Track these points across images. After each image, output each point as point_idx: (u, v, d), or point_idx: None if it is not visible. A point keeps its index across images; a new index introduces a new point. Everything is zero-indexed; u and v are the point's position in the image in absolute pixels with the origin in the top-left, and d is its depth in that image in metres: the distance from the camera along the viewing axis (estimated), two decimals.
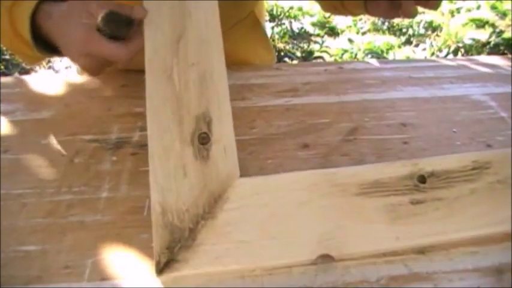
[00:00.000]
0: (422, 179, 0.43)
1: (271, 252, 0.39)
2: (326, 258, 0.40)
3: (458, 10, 2.70)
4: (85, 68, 0.53)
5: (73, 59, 0.53)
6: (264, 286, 0.40)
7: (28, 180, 0.49)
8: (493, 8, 2.68)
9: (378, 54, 2.16)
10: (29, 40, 0.54)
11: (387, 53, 2.22)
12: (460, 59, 0.77)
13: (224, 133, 0.42)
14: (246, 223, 0.39)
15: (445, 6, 2.65)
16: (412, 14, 0.61)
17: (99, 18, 0.49)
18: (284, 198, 0.41)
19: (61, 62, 2.14)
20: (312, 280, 0.40)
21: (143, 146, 0.54)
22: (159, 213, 0.39)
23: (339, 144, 0.56)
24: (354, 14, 0.75)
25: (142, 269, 0.40)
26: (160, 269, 0.37)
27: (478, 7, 2.71)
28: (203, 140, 0.41)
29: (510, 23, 2.53)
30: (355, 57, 2.06)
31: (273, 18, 2.70)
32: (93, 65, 0.52)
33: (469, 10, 2.69)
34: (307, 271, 0.41)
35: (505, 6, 2.67)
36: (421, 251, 0.43)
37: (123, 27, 0.50)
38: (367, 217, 0.41)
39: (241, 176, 0.41)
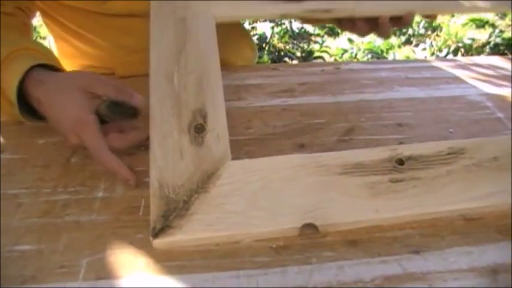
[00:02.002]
0: (400, 162, 0.47)
1: (259, 220, 0.42)
2: (310, 226, 0.42)
3: None
4: (74, 146, 0.50)
5: (63, 134, 0.50)
6: (259, 286, 0.40)
7: (24, 180, 0.49)
8: None
9: (378, 54, 2.16)
10: (15, 104, 0.51)
11: (387, 53, 2.22)
12: (458, 59, 0.77)
13: (218, 124, 0.47)
14: (237, 196, 0.43)
15: None
16: (389, 35, 0.62)
17: (103, 105, 0.48)
18: (272, 175, 0.45)
19: None
20: (306, 280, 0.40)
21: (139, 146, 0.54)
22: (156, 187, 0.43)
23: (335, 145, 0.56)
24: (325, 23, 0.75)
25: (138, 269, 0.40)
26: (156, 234, 0.40)
27: None
28: (199, 129, 0.46)
29: (510, 23, 2.52)
30: (355, 57, 2.06)
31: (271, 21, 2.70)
32: (82, 145, 0.50)
33: None
34: (302, 271, 0.41)
35: None
36: (416, 250, 0.43)
37: (127, 117, 0.50)
38: (349, 192, 0.44)
39: (233, 159, 0.46)
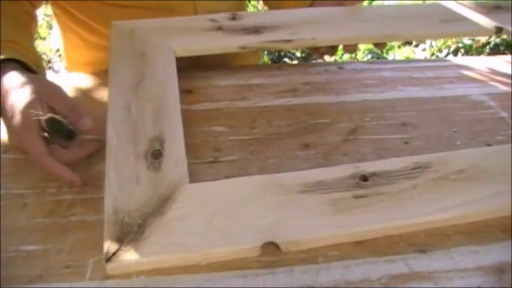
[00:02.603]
0: (364, 178, 0.46)
1: (216, 241, 0.41)
2: (271, 245, 0.40)
3: None
4: (13, 145, 0.51)
5: (8, 131, 0.51)
6: (266, 285, 0.40)
7: (29, 180, 0.49)
8: None
9: (378, 54, 2.16)
10: None
11: (387, 53, 2.22)
12: (461, 59, 0.77)
13: (175, 150, 0.48)
14: (193, 218, 0.42)
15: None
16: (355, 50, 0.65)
17: (45, 118, 0.47)
18: (230, 197, 0.44)
19: (61, 63, 2.15)
20: (313, 279, 0.40)
21: None
22: (110, 213, 0.42)
23: (339, 144, 0.56)
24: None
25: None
26: (109, 258, 0.39)
27: None
28: (156, 156, 0.47)
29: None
30: (355, 57, 2.06)
31: None
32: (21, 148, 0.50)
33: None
34: (308, 270, 0.41)
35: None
36: (422, 249, 0.43)
37: (63, 138, 0.49)
38: (310, 210, 0.43)
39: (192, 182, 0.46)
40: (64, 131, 0.49)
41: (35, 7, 0.67)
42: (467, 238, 0.44)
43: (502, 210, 0.45)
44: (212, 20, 0.64)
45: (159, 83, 0.55)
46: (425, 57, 1.84)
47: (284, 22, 0.65)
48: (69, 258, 0.41)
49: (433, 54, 1.96)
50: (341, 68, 0.71)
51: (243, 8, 0.86)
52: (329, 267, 0.41)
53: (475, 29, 0.67)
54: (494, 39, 2.30)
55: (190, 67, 0.66)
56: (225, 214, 0.42)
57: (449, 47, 2.18)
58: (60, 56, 1.83)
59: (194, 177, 0.50)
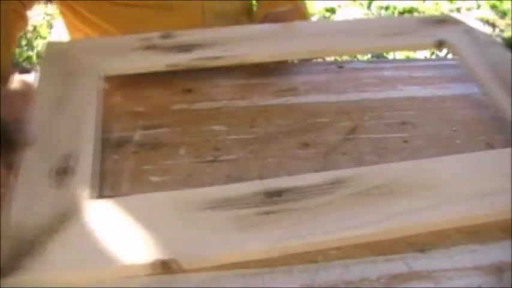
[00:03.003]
0: (276, 194, 0.44)
1: (112, 258, 0.39)
2: (164, 262, 0.39)
3: (458, 10, 2.70)
4: None
5: None
6: (265, 285, 0.40)
7: None
8: (493, 7, 2.68)
9: (378, 54, 2.16)
10: None
11: (387, 52, 2.22)
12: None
13: (83, 169, 0.47)
14: (92, 235, 0.41)
15: (445, 6, 2.65)
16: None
17: None
18: (132, 214, 0.43)
19: None
20: (312, 278, 0.40)
21: (145, 144, 0.55)
22: (8, 228, 0.41)
23: (339, 143, 0.56)
24: None
25: (145, 268, 0.40)
26: (4, 274, 0.38)
27: (478, 7, 2.71)
28: (63, 173, 0.46)
29: (510, 22, 2.53)
30: (355, 57, 2.06)
31: None
32: None
33: (468, 9, 2.69)
34: (307, 269, 0.41)
35: (505, 5, 2.67)
36: (421, 249, 0.43)
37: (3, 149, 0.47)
38: (215, 226, 0.42)
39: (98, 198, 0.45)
40: (6, 142, 0.47)
41: (25, 7, 0.66)
42: (466, 237, 0.44)
43: (419, 225, 0.44)
44: (144, 39, 0.63)
45: (79, 103, 0.55)
46: (425, 57, 1.83)
47: (218, 40, 0.64)
48: None
49: (433, 53, 1.96)
50: (341, 67, 0.71)
51: (250, 7, 0.86)
52: (328, 266, 0.41)
53: (415, 43, 0.66)
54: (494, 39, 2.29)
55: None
56: (125, 231, 0.41)
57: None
58: None
59: (194, 176, 0.50)
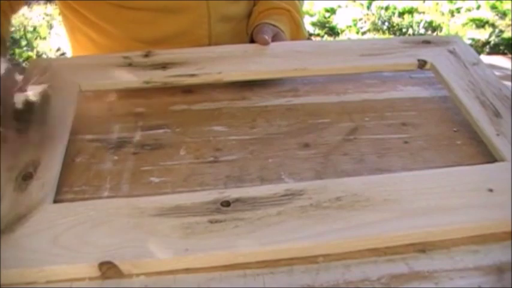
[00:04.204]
0: (226, 204, 0.45)
1: (56, 259, 0.40)
2: (107, 265, 0.39)
3: (458, 10, 2.70)
4: None
5: None
6: (266, 285, 0.40)
7: None
8: (493, 7, 2.68)
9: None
10: None
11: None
12: None
13: (47, 175, 0.48)
14: (40, 236, 0.42)
15: (445, 6, 2.65)
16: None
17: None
18: (84, 218, 0.44)
19: None
20: (313, 279, 0.40)
21: (144, 145, 0.55)
22: None
23: (340, 144, 0.56)
24: None
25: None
26: None
27: (478, 7, 2.72)
28: (26, 177, 0.47)
29: (510, 23, 2.53)
30: None
31: None
32: None
33: (469, 10, 2.69)
34: (308, 270, 0.41)
35: (505, 6, 2.67)
36: (422, 249, 0.43)
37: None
38: (160, 232, 0.42)
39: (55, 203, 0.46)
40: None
41: (13, 10, 0.66)
42: (468, 237, 0.44)
43: (371, 240, 0.43)
44: (125, 57, 0.65)
45: (55, 113, 0.56)
46: None
47: (192, 59, 0.65)
48: None
49: None
50: None
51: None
52: (329, 266, 0.41)
53: (396, 63, 0.66)
54: (494, 39, 2.29)
55: None
56: (73, 234, 0.42)
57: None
58: (61, 55, 1.83)
59: (194, 177, 0.50)
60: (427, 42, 0.70)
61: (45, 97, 0.55)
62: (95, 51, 0.77)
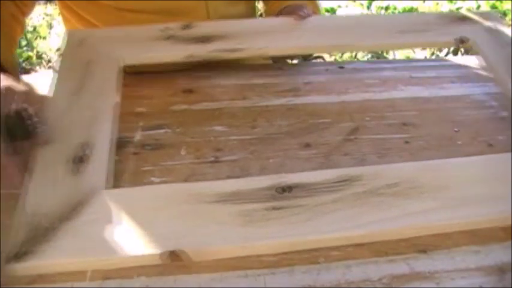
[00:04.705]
0: (283, 190, 0.45)
1: (122, 246, 0.40)
2: (173, 254, 0.40)
3: (458, 10, 2.71)
4: None
5: None
6: (267, 285, 0.40)
7: None
8: (493, 8, 2.68)
9: (378, 54, 2.16)
10: None
11: (387, 52, 2.22)
12: (461, 59, 0.77)
13: (100, 157, 0.48)
14: (103, 224, 0.42)
15: (445, 6, 2.65)
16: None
17: (5, 114, 0.46)
18: (143, 205, 0.44)
19: None
20: (314, 279, 0.40)
21: (145, 145, 0.54)
22: (22, 213, 0.42)
23: (340, 144, 0.56)
24: None
25: (145, 269, 0.40)
26: (16, 258, 0.39)
27: (478, 7, 2.72)
28: (79, 161, 0.47)
29: (510, 23, 2.53)
30: (355, 57, 2.06)
31: None
32: None
33: (469, 10, 2.69)
34: (309, 270, 0.41)
35: (505, 6, 2.67)
36: (423, 250, 0.43)
37: (30, 129, 0.48)
38: (219, 220, 0.42)
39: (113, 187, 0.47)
40: (24, 129, 0.47)
41: (24, 13, 0.66)
42: (468, 238, 0.44)
43: (424, 228, 0.43)
44: (163, 30, 0.64)
45: (97, 91, 0.55)
46: (425, 57, 1.83)
47: (234, 32, 0.64)
48: None
49: (433, 53, 1.95)
50: (342, 67, 0.71)
51: (253, 11, 0.86)
52: (330, 267, 0.41)
53: (435, 40, 0.66)
54: None
55: (192, 67, 0.66)
56: (134, 221, 0.42)
57: (449, 46, 2.18)
58: (60, 55, 1.83)
59: (195, 177, 0.50)
60: (464, 19, 0.69)
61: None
62: None
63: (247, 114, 0.60)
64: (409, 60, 0.79)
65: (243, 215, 0.42)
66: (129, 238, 0.40)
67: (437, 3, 2.46)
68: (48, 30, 2.08)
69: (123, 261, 0.40)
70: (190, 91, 0.63)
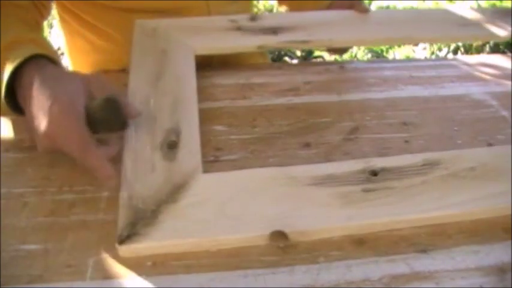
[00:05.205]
0: (374, 173, 0.47)
1: (226, 228, 0.42)
2: (279, 234, 0.41)
3: None
4: (42, 149, 0.47)
5: (34, 132, 0.46)
6: (267, 285, 0.40)
7: (29, 179, 0.49)
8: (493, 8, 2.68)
9: (378, 54, 2.16)
10: (3, 84, 0.49)
11: (387, 52, 2.22)
12: (462, 58, 0.77)
13: (190, 141, 0.50)
14: (205, 206, 0.43)
15: (445, 6, 2.65)
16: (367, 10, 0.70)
17: (99, 100, 0.46)
18: (242, 187, 0.45)
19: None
20: (314, 279, 0.40)
21: None
22: (125, 198, 0.44)
23: (340, 143, 0.56)
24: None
25: (145, 268, 0.40)
26: (122, 240, 0.40)
27: (478, 7, 2.72)
28: (171, 146, 0.49)
29: None
30: (355, 56, 2.06)
31: None
32: (51, 149, 0.46)
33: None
34: (309, 270, 0.41)
35: (505, 6, 2.67)
36: (423, 249, 0.43)
37: (116, 124, 0.48)
38: (319, 201, 0.44)
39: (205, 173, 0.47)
40: (120, 116, 0.47)
41: (43, 17, 0.66)
42: (468, 238, 0.44)
43: (508, 208, 0.45)
44: (232, 21, 0.66)
45: (177, 79, 0.57)
46: (425, 57, 1.83)
47: (300, 24, 0.67)
48: (69, 257, 0.41)
49: (433, 53, 1.96)
50: (342, 67, 0.71)
51: (251, 8, 0.86)
52: (330, 267, 0.41)
53: (491, 33, 0.68)
54: None
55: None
56: (235, 203, 0.43)
57: (449, 45, 2.17)
58: (61, 55, 1.82)
59: None
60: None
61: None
62: (93, 53, 0.77)
63: (247, 114, 0.60)
64: (409, 59, 0.79)
65: (341, 197, 0.44)
66: (234, 219, 0.42)
67: (437, 3, 2.46)
68: (48, 30, 2.08)
69: (231, 242, 0.41)
70: None
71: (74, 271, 0.40)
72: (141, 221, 0.42)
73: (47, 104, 0.45)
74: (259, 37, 0.63)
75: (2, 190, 0.47)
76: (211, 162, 0.52)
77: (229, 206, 0.43)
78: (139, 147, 0.48)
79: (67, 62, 0.84)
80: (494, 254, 0.43)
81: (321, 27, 0.66)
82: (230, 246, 0.42)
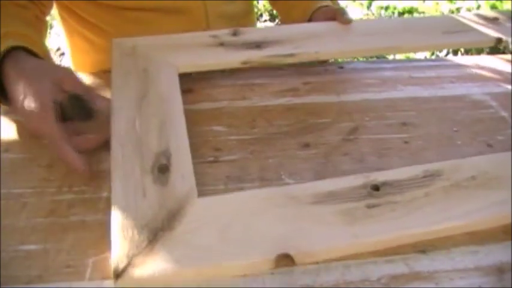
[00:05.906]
0: (375, 188, 0.46)
1: (229, 254, 0.40)
2: (285, 257, 0.40)
3: (458, 10, 2.70)
4: (29, 129, 0.51)
5: (23, 117, 0.51)
6: (266, 285, 0.40)
7: (29, 180, 0.49)
8: (493, 8, 2.68)
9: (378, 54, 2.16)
10: None
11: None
12: (461, 59, 0.77)
13: (182, 164, 0.47)
14: (204, 231, 0.41)
15: (445, 6, 2.65)
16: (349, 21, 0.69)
17: (66, 97, 0.49)
18: (240, 210, 0.43)
19: (61, 63, 2.14)
20: (313, 279, 0.40)
21: None
22: (118, 229, 0.41)
23: (340, 144, 0.56)
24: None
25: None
26: (118, 274, 0.38)
27: (478, 7, 2.71)
28: (162, 170, 0.46)
29: None
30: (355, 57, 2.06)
31: (273, 17, 2.70)
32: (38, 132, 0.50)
33: (469, 10, 2.69)
34: (308, 270, 0.41)
35: (505, 6, 2.67)
36: (422, 250, 0.43)
37: (83, 115, 0.50)
38: (323, 220, 0.43)
39: (199, 196, 0.45)
40: (85, 109, 0.50)
41: (44, 13, 0.66)
42: (467, 238, 0.44)
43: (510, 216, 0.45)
44: (213, 36, 0.65)
45: (162, 99, 0.55)
46: (425, 57, 1.83)
47: (285, 37, 0.65)
48: (69, 258, 0.41)
49: (432, 53, 1.96)
50: (341, 67, 0.71)
51: (252, 8, 0.86)
52: (329, 267, 0.41)
53: (477, 40, 0.68)
54: None
55: None
56: (236, 227, 0.42)
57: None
58: (61, 55, 1.82)
59: (195, 177, 0.50)
60: (497, 19, 0.72)
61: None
62: (93, 53, 0.77)
63: (246, 114, 0.60)
64: (408, 60, 0.79)
65: (345, 214, 0.43)
66: (235, 244, 0.40)
67: (437, 3, 2.46)
68: (48, 30, 2.08)
69: (235, 269, 0.40)
70: (190, 91, 0.63)
71: (73, 271, 0.40)
72: (137, 251, 0.39)
73: (20, 98, 0.49)
74: (243, 52, 0.62)
75: (2, 190, 0.47)
76: (210, 162, 0.52)
77: (229, 231, 0.41)
78: (128, 172, 0.46)
79: (68, 62, 0.84)
80: (493, 254, 0.43)
81: (306, 39, 0.65)
82: (234, 273, 0.40)
